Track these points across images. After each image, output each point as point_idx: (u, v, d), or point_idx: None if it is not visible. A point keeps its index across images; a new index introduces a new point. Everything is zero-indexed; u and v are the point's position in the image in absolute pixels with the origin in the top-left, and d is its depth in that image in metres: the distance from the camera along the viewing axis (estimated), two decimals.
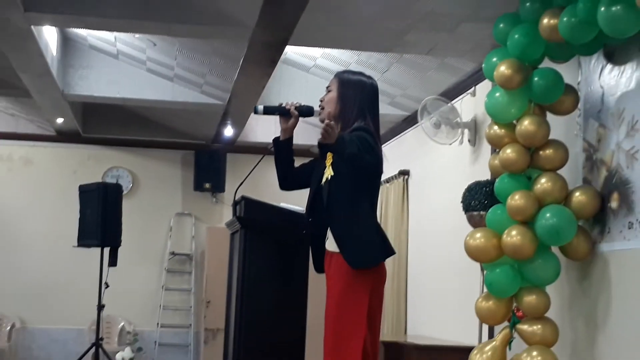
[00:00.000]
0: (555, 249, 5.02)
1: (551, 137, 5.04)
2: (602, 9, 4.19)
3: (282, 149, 3.81)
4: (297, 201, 4.34)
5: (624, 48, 4.81)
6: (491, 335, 5.86)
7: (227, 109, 8.80)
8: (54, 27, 7.49)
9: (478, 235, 5.13)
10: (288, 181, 3.85)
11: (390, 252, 3.62)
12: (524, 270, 4.97)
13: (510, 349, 5.19)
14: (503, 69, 4.95)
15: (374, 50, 7.01)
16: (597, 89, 5.07)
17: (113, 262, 7.50)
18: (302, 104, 3.79)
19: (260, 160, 4.47)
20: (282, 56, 7.20)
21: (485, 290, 5.24)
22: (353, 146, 3.31)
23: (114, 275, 7.43)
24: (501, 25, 5.14)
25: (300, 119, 3.79)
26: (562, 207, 4.87)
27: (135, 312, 10.46)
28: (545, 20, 4.69)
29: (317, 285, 4.39)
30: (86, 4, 6.08)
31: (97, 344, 7.38)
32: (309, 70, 8.30)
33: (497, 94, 5.08)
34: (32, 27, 6.40)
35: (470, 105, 7.21)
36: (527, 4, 4.95)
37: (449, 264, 7.35)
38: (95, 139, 10.61)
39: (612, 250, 4.86)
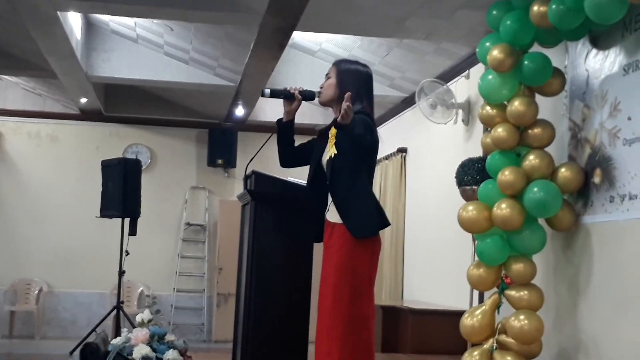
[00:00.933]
0: (541, 221, 5.03)
1: (539, 117, 5.03)
2: None
3: (284, 129, 3.83)
4: (301, 177, 4.35)
5: (608, 34, 4.78)
6: (481, 300, 5.88)
7: (238, 90, 8.78)
8: (78, 13, 7.46)
9: (470, 208, 5.13)
10: (288, 159, 3.87)
11: (386, 223, 3.66)
12: (513, 241, 4.98)
13: (499, 312, 5.21)
14: (495, 53, 4.93)
15: (376, 35, 6.97)
16: (583, 72, 5.05)
17: (133, 231, 7.51)
18: (305, 89, 3.80)
19: (269, 138, 4.46)
20: (290, 41, 7.17)
21: (476, 258, 5.25)
22: (360, 127, 3.35)
23: (133, 243, 7.46)
24: (494, 12, 5.11)
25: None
26: (548, 182, 4.87)
27: (153, 278, 10.50)
28: (536, 8, 4.67)
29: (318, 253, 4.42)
30: None
31: (118, 306, 7.43)
32: (315, 54, 8.27)
33: (490, 77, 5.06)
34: (58, 12, 6.38)
35: (465, 87, 7.19)
36: None
37: (443, 235, 7.36)
38: (116, 117, 10.60)
39: (594, 222, 4.86)
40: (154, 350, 4.17)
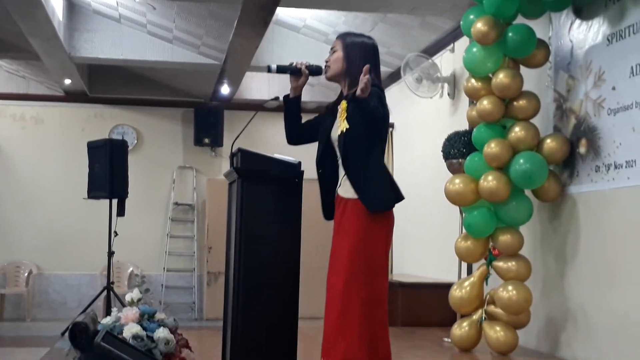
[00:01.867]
0: (528, 192, 5.05)
1: (524, 88, 5.03)
2: None
3: (291, 105, 3.76)
4: (289, 155, 4.33)
5: (592, 4, 4.78)
6: (470, 272, 5.92)
7: (223, 69, 8.73)
8: None
9: (457, 181, 5.15)
10: (295, 136, 3.81)
11: (401, 197, 3.62)
12: (499, 212, 5.00)
13: (487, 284, 5.25)
14: (479, 25, 4.92)
15: (360, 10, 6.93)
16: (567, 43, 5.05)
17: (121, 212, 7.48)
18: (312, 63, 3.74)
19: (254, 116, 4.44)
20: (274, 17, 7.12)
21: (464, 231, 5.28)
22: (375, 100, 3.31)
23: (122, 224, 7.42)
24: None
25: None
26: (534, 153, 4.88)
27: (142, 258, 10.48)
28: None
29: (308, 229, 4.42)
30: None
31: (109, 287, 7.40)
32: (299, 30, 8.22)
33: (474, 50, 5.06)
34: None
35: (450, 61, 7.18)
36: None
37: (430, 208, 7.38)
38: (101, 98, 10.52)
39: (580, 192, 4.89)
40: (144, 328, 4.15)
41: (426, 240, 7.63)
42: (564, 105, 5.09)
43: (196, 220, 10.75)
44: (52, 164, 10.48)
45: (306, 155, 4.12)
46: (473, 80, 5.16)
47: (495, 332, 5.01)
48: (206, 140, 10.60)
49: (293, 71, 3.70)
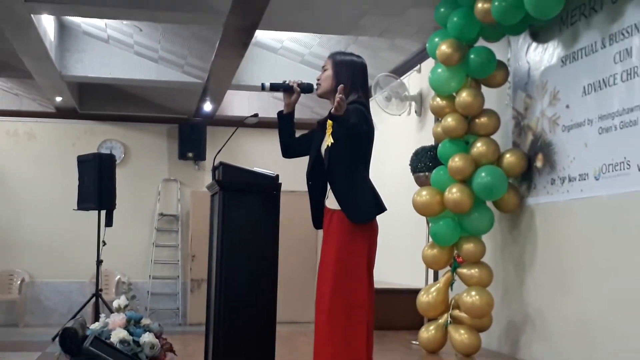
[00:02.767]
0: (489, 203, 5.09)
1: (485, 107, 5.08)
2: None
3: (285, 121, 3.75)
4: (268, 168, 4.34)
5: (547, 28, 4.85)
6: (436, 278, 5.94)
7: (206, 87, 8.73)
8: (51, 16, 7.35)
9: (424, 193, 5.17)
10: (290, 150, 3.80)
11: (383, 208, 3.63)
12: (463, 222, 5.03)
13: (452, 289, 5.26)
14: (444, 47, 4.96)
15: (333, 33, 6.98)
16: (524, 64, 5.11)
17: (109, 222, 7.43)
18: (304, 81, 3.74)
19: (235, 131, 4.46)
20: (253, 39, 7.14)
21: (430, 240, 5.30)
22: (354, 117, 3.31)
23: (110, 234, 7.38)
24: (442, 9, 5.15)
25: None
26: (494, 167, 4.92)
27: (129, 266, 10.41)
28: (480, 5, 4.71)
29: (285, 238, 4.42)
30: None
31: (97, 294, 7.35)
32: (277, 51, 8.24)
33: (439, 70, 5.10)
34: (32, 15, 6.28)
35: (417, 80, 7.23)
36: None
37: (399, 219, 7.40)
38: (90, 114, 10.47)
39: (537, 203, 4.93)
40: (130, 333, 4.12)
41: (395, 249, 7.65)
42: (522, 122, 5.15)
43: (180, 230, 10.71)
44: (43, 177, 10.40)
45: (286, 169, 4.11)
46: (438, 99, 5.21)
47: (460, 335, 5.03)
48: (190, 155, 10.59)
49: (285, 89, 3.70)
